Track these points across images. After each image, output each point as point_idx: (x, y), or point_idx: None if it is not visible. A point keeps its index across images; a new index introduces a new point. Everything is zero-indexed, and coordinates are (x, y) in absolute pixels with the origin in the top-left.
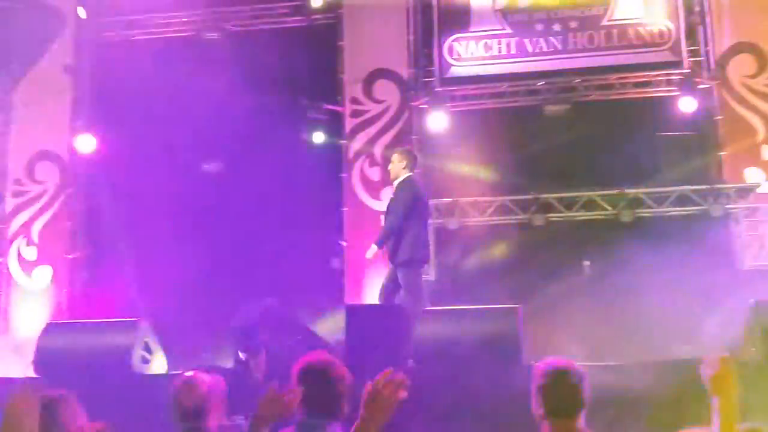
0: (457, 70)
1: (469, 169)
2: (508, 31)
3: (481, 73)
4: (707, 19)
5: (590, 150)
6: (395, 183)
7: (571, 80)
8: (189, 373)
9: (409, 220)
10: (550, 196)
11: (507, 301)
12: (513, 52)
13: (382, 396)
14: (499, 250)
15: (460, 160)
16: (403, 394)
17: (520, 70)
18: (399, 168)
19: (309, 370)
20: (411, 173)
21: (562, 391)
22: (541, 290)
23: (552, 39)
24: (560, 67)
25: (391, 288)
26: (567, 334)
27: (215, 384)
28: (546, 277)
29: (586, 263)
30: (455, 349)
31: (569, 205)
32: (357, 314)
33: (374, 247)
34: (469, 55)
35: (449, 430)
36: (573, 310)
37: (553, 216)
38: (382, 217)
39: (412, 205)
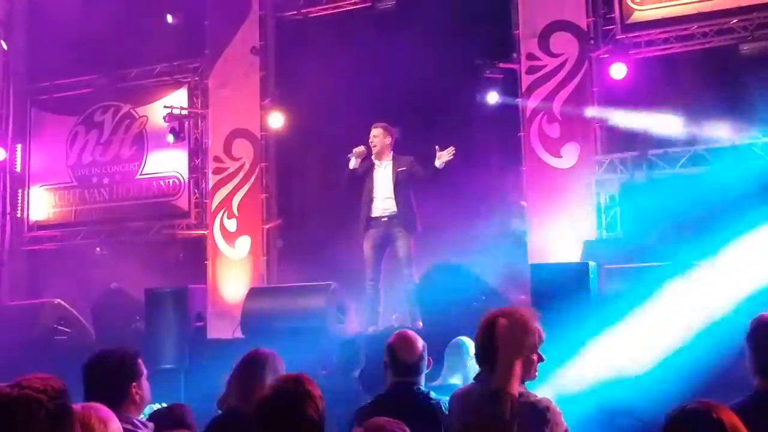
0: (641, 14)
1: (656, 120)
2: None
3: (668, 15)
4: None
5: None
6: (385, 159)
7: None
8: (404, 330)
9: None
10: (751, 143)
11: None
12: None
13: (509, 333)
14: (691, 204)
15: (646, 110)
16: (535, 326)
17: (710, 9)
18: (385, 144)
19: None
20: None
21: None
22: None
23: None
24: (756, 2)
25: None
26: None
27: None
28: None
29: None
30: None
31: None
32: (541, 273)
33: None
34: None
35: (645, 389)
36: None
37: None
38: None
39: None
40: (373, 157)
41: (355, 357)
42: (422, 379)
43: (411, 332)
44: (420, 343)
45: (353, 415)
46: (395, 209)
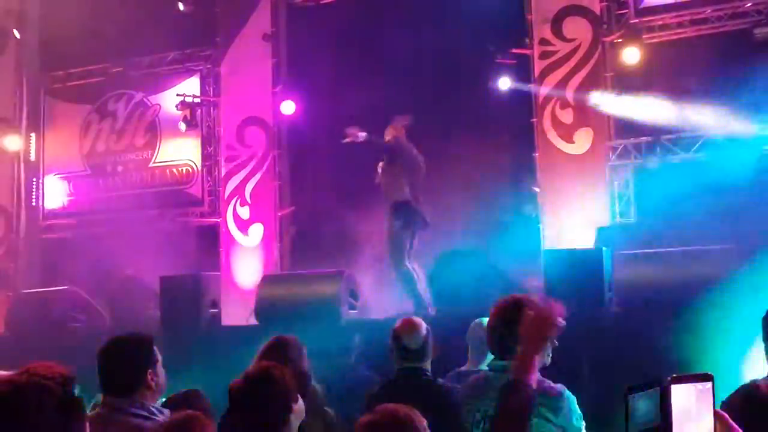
0: None
1: (670, 104)
2: None
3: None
4: None
5: None
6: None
7: None
8: (409, 316)
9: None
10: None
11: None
12: None
13: (535, 326)
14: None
15: (660, 95)
16: (560, 321)
17: None
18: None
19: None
20: None
21: None
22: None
23: None
24: None
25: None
26: None
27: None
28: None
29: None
30: (662, 293)
31: None
32: (554, 259)
33: None
34: None
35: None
36: None
37: None
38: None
39: None
40: None
41: (350, 342)
42: (428, 364)
43: (416, 318)
44: (424, 328)
45: (365, 401)
46: None
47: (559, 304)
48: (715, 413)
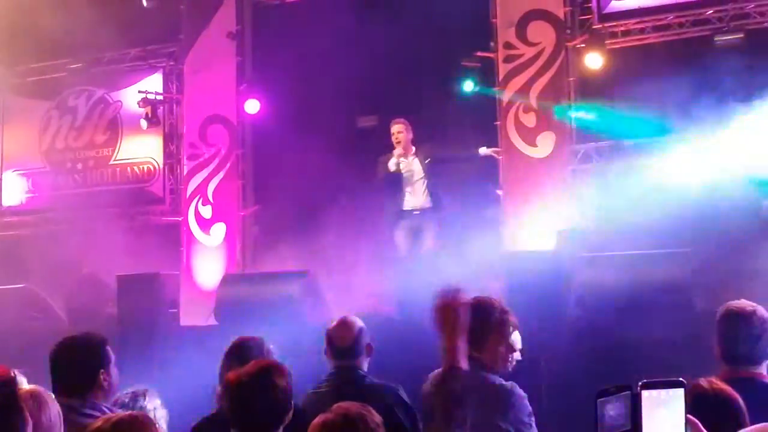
0: (618, 4)
1: (632, 110)
2: None
3: (644, 5)
4: None
5: None
6: (410, 155)
7: (744, 6)
8: (345, 316)
9: None
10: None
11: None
12: None
13: (443, 315)
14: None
15: (622, 100)
16: (465, 301)
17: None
18: (408, 139)
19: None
20: None
21: (741, 335)
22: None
23: None
24: None
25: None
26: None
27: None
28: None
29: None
30: (622, 296)
31: None
32: (515, 261)
33: None
34: None
35: (617, 377)
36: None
37: None
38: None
39: None
40: (397, 153)
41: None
42: (363, 362)
43: (351, 317)
44: (356, 327)
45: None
46: (428, 204)
47: (459, 290)
48: (687, 420)
